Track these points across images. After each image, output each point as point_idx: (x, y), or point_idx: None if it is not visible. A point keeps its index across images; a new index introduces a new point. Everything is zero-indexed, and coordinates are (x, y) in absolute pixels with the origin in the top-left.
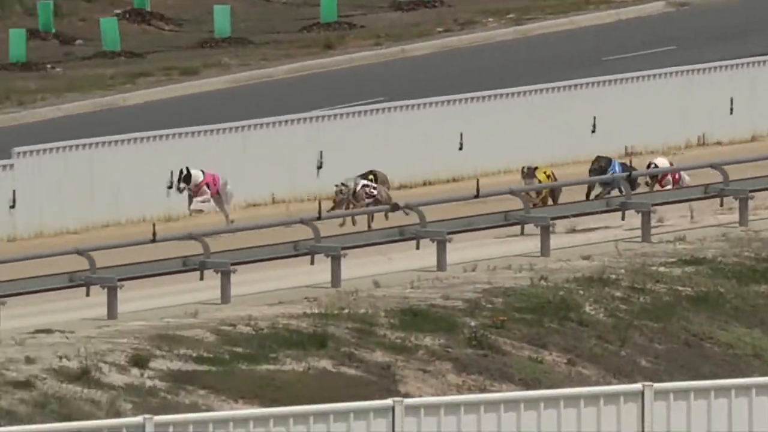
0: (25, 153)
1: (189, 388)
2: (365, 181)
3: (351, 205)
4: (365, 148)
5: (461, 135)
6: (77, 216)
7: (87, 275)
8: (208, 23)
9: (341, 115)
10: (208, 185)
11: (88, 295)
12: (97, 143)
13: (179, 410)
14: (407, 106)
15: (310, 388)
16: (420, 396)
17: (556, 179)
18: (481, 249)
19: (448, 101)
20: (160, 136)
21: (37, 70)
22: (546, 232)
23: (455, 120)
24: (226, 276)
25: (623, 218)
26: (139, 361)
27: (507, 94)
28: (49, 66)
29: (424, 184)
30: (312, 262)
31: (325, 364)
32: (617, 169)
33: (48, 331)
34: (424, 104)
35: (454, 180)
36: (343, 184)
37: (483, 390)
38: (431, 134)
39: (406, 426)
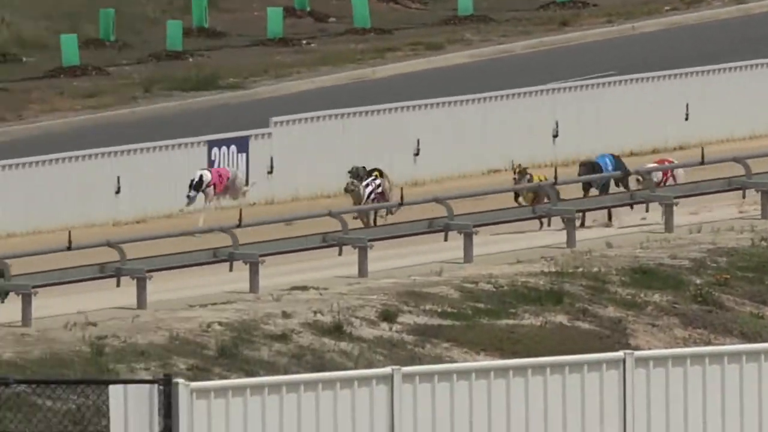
0: (282, 122)
1: (434, 341)
2: (371, 187)
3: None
4: (598, 118)
5: (687, 106)
6: (330, 181)
7: (340, 236)
8: (452, 2)
9: (576, 87)
10: (215, 185)
11: (340, 254)
12: (347, 113)
13: (425, 362)
14: (637, 79)
15: (547, 341)
16: (649, 348)
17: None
18: (706, 213)
19: (674, 75)
20: (406, 107)
21: (292, 45)
22: (766, 197)
23: (681, 92)
24: (468, 237)
25: None
26: (388, 316)
27: (730, 69)
28: (304, 42)
29: (653, 151)
30: (549, 224)
31: (561, 318)
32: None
33: (303, 288)
34: (652, 78)
35: (681, 148)
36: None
37: (708, 343)
38: (659, 105)
39: (636, 377)
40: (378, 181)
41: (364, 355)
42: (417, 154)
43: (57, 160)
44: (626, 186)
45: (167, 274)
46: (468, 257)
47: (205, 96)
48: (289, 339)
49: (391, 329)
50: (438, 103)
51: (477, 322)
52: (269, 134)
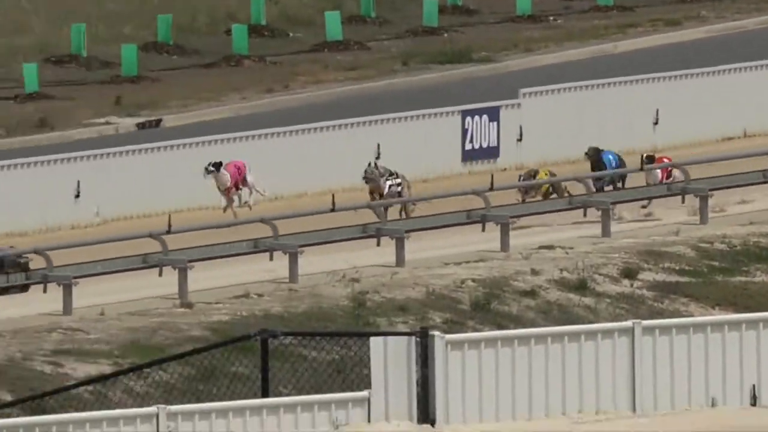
0: (530, 94)
1: (672, 297)
2: (390, 181)
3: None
4: None
5: None
6: (574, 149)
7: (584, 199)
8: None
9: None
10: (231, 179)
11: (585, 216)
12: (591, 85)
13: (663, 316)
14: None
15: None
16: None
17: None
18: None
19: None
20: (646, 80)
21: (540, 22)
22: None
23: None
24: (704, 200)
25: None
26: (629, 273)
27: None
28: (551, 18)
29: None
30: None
31: None
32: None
33: (550, 247)
34: None
35: None
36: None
37: None
38: None
39: None
40: (398, 180)
41: (606, 309)
42: (656, 123)
43: (321, 128)
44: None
45: (426, 234)
46: (704, 219)
47: (459, 69)
48: (537, 294)
49: (631, 285)
50: (676, 76)
51: (712, 279)
52: (518, 104)
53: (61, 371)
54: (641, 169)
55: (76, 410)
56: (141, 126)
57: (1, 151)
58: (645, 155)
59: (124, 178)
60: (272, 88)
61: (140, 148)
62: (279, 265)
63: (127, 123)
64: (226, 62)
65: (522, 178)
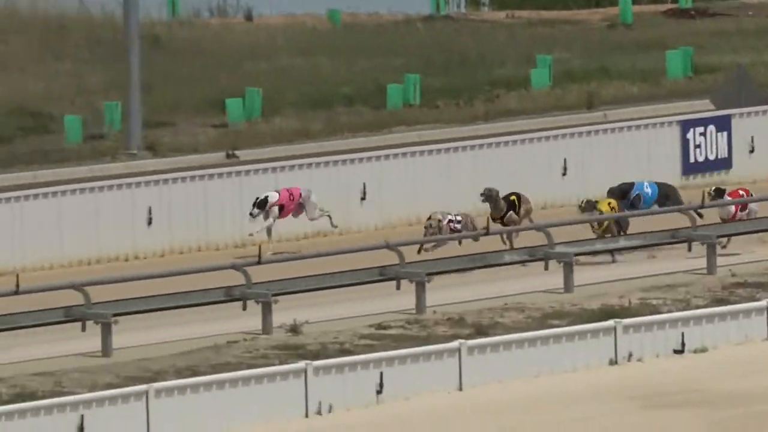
0: None
1: None
2: (450, 216)
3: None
4: None
5: None
6: None
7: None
8: None
9: None
10: (282, 206)
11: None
12: None
13: None
14: None
15: None
16: None
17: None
18: None
19: None
20: None
21: None
22: None
23: None
24: None
25: None
26: None
27: None
28: None
29: None
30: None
31: None
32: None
33: None
34: None
35: None
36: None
37: None
38: None
39: None
40: (459, 217)
41: None
42: None
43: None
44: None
45: None
46: None
47: None
48: None
49: None
50: None
51: None
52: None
53: None
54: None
55: None
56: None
57: None
58: (713, 189)
59: None
60: None
61: None
62: None
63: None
64: None
65: (583, 209)
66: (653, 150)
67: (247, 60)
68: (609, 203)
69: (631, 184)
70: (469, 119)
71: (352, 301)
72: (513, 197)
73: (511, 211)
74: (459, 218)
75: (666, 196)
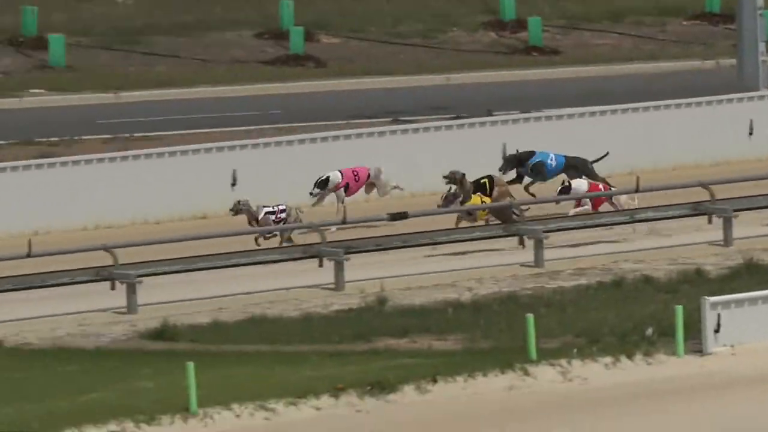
0: None
1: None
2: (269, 208)
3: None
4: None
5: None
6: None
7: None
8: None
9: None
10: (347, 185)
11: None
12: None
13: None
14: None
15: None
16: None
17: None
18: None
19: None
20: None
21: None
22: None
23: None
24: None
25: None
26: None
27: None
28: None
29: None
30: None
31: None
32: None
33: None
34: None
35: None
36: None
37: None
38: None
39: None
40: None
41: None
42: None
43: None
44: None
45: None
46: None
47: None
48: None
49: None
50: None
51: None
52: None
53: None
54: None
55: None
56: None
57: None
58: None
59: None
60: None
61: None
62: None
63: None
64: None
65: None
66: None
67: None
68: (480, 198)
69: (532, 152)
70: None
71: None
72: (484, 180)
73: (479, 194)
74: (282, 207)
75: (574, 167)
